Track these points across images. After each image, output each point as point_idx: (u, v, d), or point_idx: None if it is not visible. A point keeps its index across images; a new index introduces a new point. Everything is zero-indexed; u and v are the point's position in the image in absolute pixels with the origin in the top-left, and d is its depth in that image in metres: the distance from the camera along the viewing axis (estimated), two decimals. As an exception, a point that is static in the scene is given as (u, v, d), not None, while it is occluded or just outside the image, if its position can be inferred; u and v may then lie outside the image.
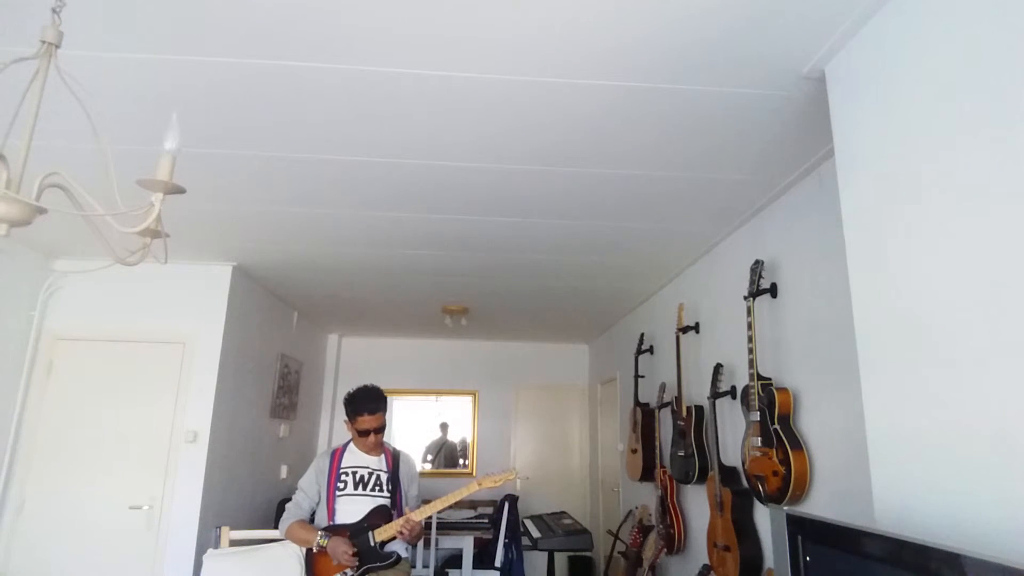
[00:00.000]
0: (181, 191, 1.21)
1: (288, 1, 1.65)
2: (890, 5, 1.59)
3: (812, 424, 2.54)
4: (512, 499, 4.61)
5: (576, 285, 4.59)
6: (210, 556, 2.92)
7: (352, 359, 7.03)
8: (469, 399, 7.14)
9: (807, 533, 1.38)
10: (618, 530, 4.78)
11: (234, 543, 3.05)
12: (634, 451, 4.53)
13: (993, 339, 1.23)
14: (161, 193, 1.19)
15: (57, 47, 1.24)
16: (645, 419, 4.40)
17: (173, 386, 4.01)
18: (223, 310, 4.16)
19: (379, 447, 2.90)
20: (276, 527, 2.89)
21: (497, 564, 4.40)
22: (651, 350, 4.72)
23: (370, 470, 2.85)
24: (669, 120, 2.22)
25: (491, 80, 2.00)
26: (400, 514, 2.80)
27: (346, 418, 2.86)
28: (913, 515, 1.42)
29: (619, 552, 4.61)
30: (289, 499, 2.89)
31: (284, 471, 5.53)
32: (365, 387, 2.90)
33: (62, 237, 3.71)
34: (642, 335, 4.82)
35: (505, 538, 4.50)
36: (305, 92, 2.08)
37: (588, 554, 5.91)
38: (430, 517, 3.38)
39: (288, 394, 5.55)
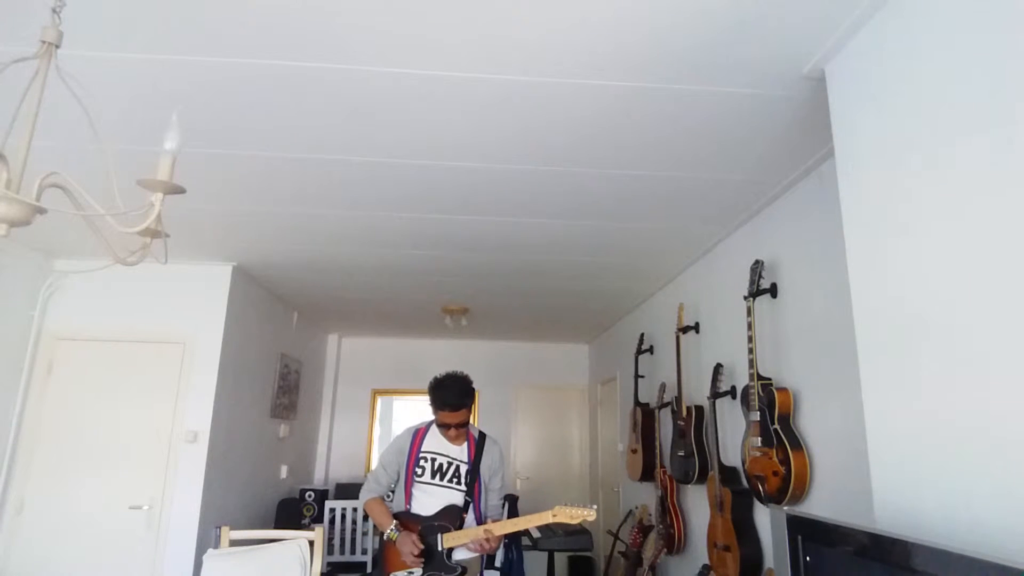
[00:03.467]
0: (181, 191, 1.21)
1: (288, 2, 1.66)
2: (890, 5, 1.59)
3: (812, 424, 2.54)
4: (512, 499, 4.61)
5: (576, 285, 4.59)
6: (210, 556, 2.92)
7: (352, 359, 7.04)
8: (469, 399, 7.13)
9: (807, 533, 1.38)
10: (618, 530, 4.78)
11: (234, 543, 3.05)
12: (634, 451, 4.53)
13: (992, 339, 1.23)
14: (161, 193, 1.19)
15: (57, 47, 1.24)
16: (645, 419, 4.40)
17: (173, 386, 4.01)
18: (223, 310, 4.16)
19: (461, 438, 2.71)
20: (276, 527, 2.88)
21: (497, 564, 4.40)
22: (651, 350, 4.72)
23: (450, 459, 2.68)
24: (669, 120, 2.22)
25: (492, 80, 2.00)
26: (478, 514, 2.66)
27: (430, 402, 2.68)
28: (913, 515, 1.42)
29: (619, 552, 4.61)
30: (290, 499, 2.87)
31: (284, 471, 5.53)
32: (454, 377, 2.62)
33: (62, 237, 3.71)
34: (642, 335, 4.82)
35: (505, 538, 4.50)
36: (305, 92, 2.08)
37: (588, 554, 5.91)
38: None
39: (288, 394, 5.55)
